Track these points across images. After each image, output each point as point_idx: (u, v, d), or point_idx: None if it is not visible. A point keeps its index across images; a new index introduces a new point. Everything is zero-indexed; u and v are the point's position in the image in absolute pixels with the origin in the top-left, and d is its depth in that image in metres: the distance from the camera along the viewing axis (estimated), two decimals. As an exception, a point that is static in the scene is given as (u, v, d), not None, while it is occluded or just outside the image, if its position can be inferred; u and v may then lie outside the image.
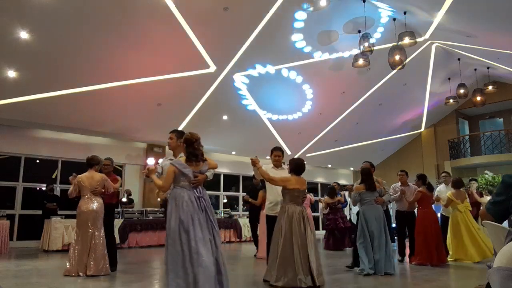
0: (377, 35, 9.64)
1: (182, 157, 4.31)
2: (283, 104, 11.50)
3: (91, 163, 5.63)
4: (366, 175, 5.90)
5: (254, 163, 4.77)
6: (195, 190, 3.64)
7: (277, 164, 5.28)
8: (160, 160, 4.34)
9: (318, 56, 10.05)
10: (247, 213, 11.65)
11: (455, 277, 5.73)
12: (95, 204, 5.47)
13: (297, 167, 4.83)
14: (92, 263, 5.27)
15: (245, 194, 8.31)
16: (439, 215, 7.50)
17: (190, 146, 3.71)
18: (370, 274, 5.36)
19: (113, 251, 5.66)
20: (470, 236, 7.10)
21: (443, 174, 7.97)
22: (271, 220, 5.03)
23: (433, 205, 7.07)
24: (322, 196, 14.75)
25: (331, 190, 9.87)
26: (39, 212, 9.70)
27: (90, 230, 5.37)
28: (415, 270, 6.00)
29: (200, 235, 3.42)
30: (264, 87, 10.51)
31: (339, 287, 4.65)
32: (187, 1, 7.52)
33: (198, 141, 3.75)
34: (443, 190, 7.56)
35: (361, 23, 8.73)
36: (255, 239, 8.12)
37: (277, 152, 5.28)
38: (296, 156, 14.19)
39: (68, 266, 5.32)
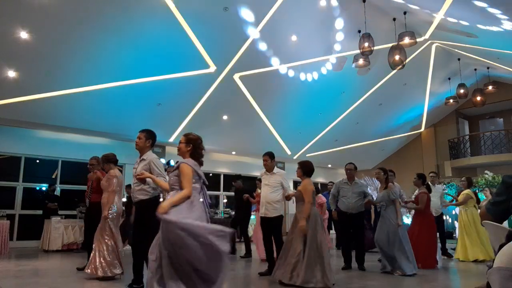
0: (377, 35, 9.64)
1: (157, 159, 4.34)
2: (283, 104, 11.50)
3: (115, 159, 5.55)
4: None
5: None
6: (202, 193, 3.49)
7: (267, 169, 5.53)
8: (162, 160, 4.31)
9: (318, 56, 10.05)
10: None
11: (455, 277, 5.73)
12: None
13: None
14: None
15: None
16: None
17: (198, 147, 3.54)
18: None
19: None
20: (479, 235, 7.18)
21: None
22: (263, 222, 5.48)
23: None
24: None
25: None
26: (39, 212, 9.70)
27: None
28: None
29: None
30: (264, 87, 10.51)
31: (348, 286, 4.67)
32: (187, 1, 7.52)
33: (202, 141, 3.62)
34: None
35: (361, 23, 8.73)
36: (247, 240, 8.25)
37: (263, 157, 5.56)
38: (296, 157, 14.22)
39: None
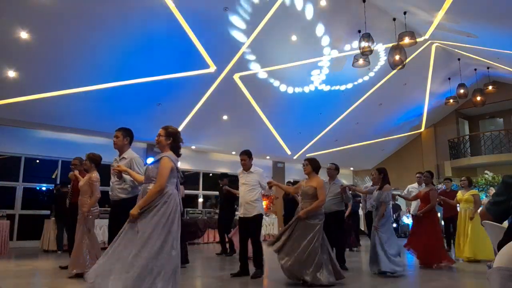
0: (377, 35, 9.64)
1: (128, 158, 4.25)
2: (283, 104, 11.50)
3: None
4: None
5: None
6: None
7: (244, 168, 5.53)
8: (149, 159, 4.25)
9: (318, 55, 10.05)
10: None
11: (454, 277, 5.73)
12: None
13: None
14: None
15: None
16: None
17: (177, 140, 3.53)
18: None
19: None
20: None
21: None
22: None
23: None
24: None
25: None
26: (39, 212, 9.70)
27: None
28: (415, 270, 6.00)
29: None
30: (264, 87, 10.51)
31: (346, 286, 4.66)
32: (187, 1, 7.53)
33: (180, 133, 3.61)
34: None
35: (361, 23, 8.73)
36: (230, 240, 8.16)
37: (241, 157, 5.54)
38: (296, 157, 14.22)
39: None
